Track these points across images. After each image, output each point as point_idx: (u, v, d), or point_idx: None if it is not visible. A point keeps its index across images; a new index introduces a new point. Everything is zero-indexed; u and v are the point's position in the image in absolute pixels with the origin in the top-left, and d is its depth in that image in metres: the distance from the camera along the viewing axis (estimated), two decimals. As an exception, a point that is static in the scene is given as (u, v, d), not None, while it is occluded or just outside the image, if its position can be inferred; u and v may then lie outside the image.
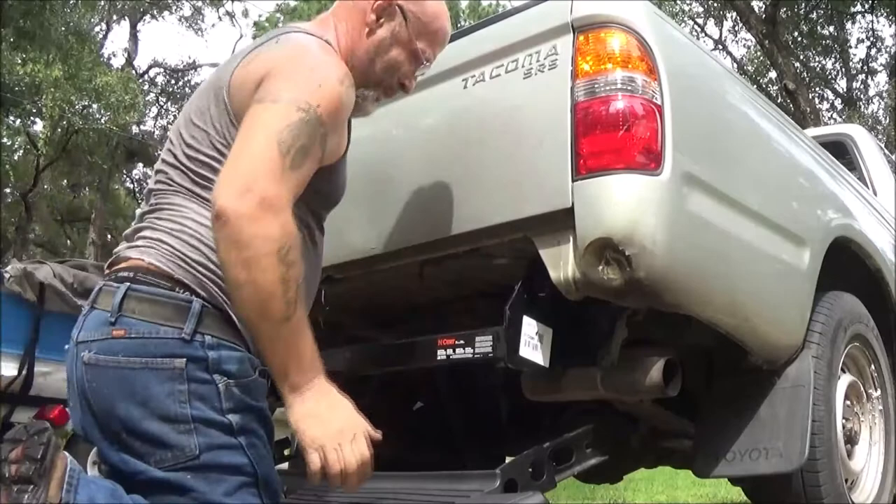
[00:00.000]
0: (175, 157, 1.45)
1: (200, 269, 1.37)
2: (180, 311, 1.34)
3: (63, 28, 14.77)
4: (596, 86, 1.64)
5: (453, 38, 2.01)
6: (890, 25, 16.59)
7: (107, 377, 1.32)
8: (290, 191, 1.30)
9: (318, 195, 1.48)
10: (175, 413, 1.30)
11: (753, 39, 15.26)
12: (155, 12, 20.05)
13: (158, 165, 1.50)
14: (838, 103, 18.62)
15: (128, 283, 1.36)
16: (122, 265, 1.41)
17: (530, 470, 1.70)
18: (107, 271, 1.45)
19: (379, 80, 1.59)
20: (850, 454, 2.19)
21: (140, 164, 21.16)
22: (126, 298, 1.34)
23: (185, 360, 1.32)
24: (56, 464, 1.23)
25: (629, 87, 1.63)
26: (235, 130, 1.38)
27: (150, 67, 21.10)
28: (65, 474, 1.24)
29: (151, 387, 1.30)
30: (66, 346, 1.43)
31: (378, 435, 1.36)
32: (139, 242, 1.42)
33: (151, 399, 1.30)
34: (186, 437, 1.30)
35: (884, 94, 18.32)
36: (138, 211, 1.52)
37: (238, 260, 1.25)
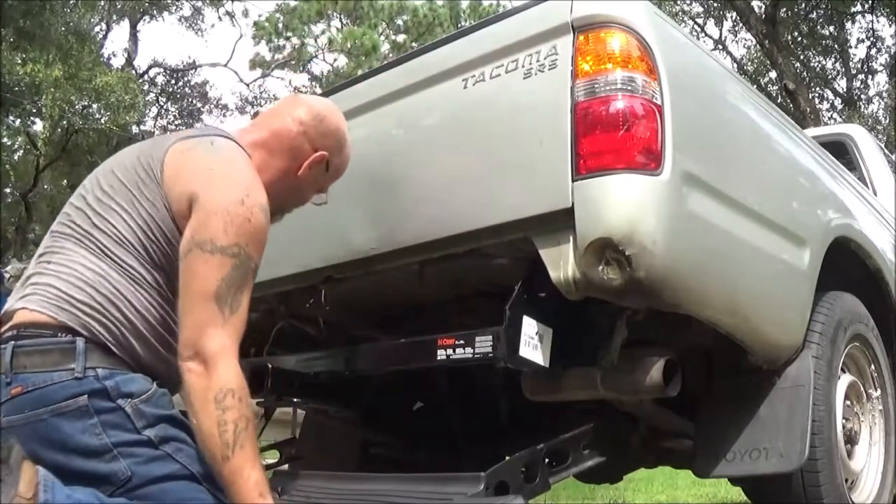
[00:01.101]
0: (85, 200, 1.57)
1: (84, 307, 1.45)
2: (67, 354, 1.41)
3: (63, 28, 14.75)
4: (596, 86, 1.64)
5: (453, 38, 2.02)
6: (890, 25, 16.57)
7: (24, 435, 1.37)
8: (231, 335, 1.45)
9: None
10: (95, 445, 1.38)
11: (753, 39, 15.26)
12: (155, 12, 20.04)
13: (64, 209, 1.60)
14: (838, 103, 18.62)
15: (12, 342, 1.42)
16: (8, 325, 1.47)
17: (523, 471, 1.70)
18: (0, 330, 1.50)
19: (286, 208, 1.81)
20: (850, 454, 2.19)
21: (140, 164, 21.10)
22: (14, 356, 1.41)
23: (85, 395, 1.39)
24: (22, 468, 1.29)
25: (629, 87, 1.63)
26: (164, 208, 1.51)
27: (150, 67, 21.10)
28: (35, 476, 1.31)
29: (64, 430, 1.38)
30: None
31: None
32: (27, 291, 1.50)
33: (68, 441, 1.38)
34: (114, 463, 1.39)
35: (884, 94, 18.31)
36: (34, 256, 1.59)
37: (189, 408, 1.42)
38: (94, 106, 15.58)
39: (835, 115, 17.95)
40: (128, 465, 1.39)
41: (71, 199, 1.61)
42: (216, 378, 1.40)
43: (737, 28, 17.97)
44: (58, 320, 1.43)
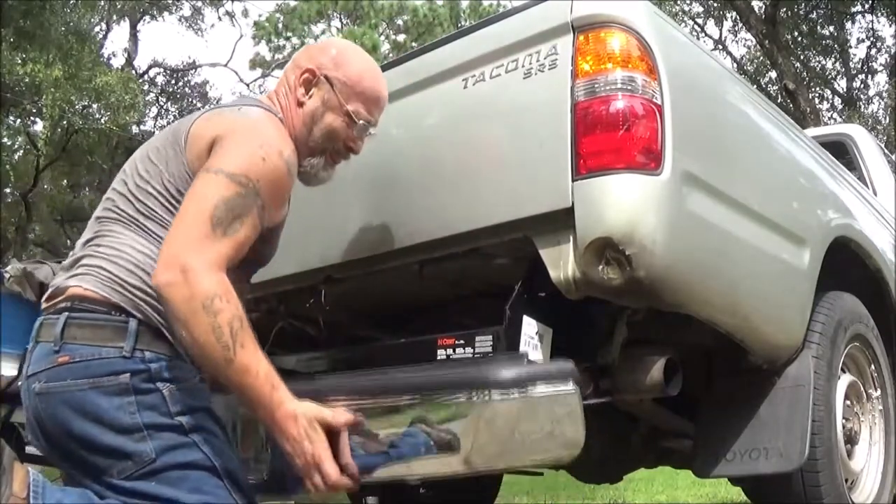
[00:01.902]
0: (126, 186, 1.57)
1: (136, 292, 1.47)
2: (119, 332, 1.44)
3: (63, 28, 14.74)
4: (596, 85, 1.64)
5: (453, 38, 2.02)
6: (890, 25, 16.58)
7: (58, 402, 1.41)
8: (219, 256, 1.40)
9: (249, 257, 1.56)
10: (127, 423, 1.40)
11: (753, 39, 15.26)
12: (155, 12, 20.03)
13: (109, 194, 1.61)
14: (838, 103, 18.62)
15: (66, 313, 1.45)
16: (61, 297, 1.50)
17: None
18: (46, 305, 1.54)
19: (321, 147, 1.70)
20: (850, 454, 2.19)
21: (140, 164, 21.11)
22: (66, 327, 1.44)
23: (128, 374, 1.42)
24: (14, 469, 1.33)
25: (629, 87, 1.63)
26: (187, 176, 1.51)
27: (150, 67, 21.09)
28: (27, 477, 1.34)
29: (101, 403, 1.40)
30: (19, 384, 1.54)
31: (347, 463, 1.40)
32: (79, 271, 1.52)
33: (103, 414, 1.40)
34: (142, 443, 1.40)
35: (884, 94, 18.31)
36: (82, 238, 1.60)
37: (176, 323, 1.38)
38: (94, 106, 15.57)
39: (835, 115, 17.96)
40: (154, 448, 1.40)
41: (113, 185, 1.61)
42: (199, 287, 1.35)
43: (737, 28, 17.98)
44: (112, 300, 1.46)
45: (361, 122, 1.69)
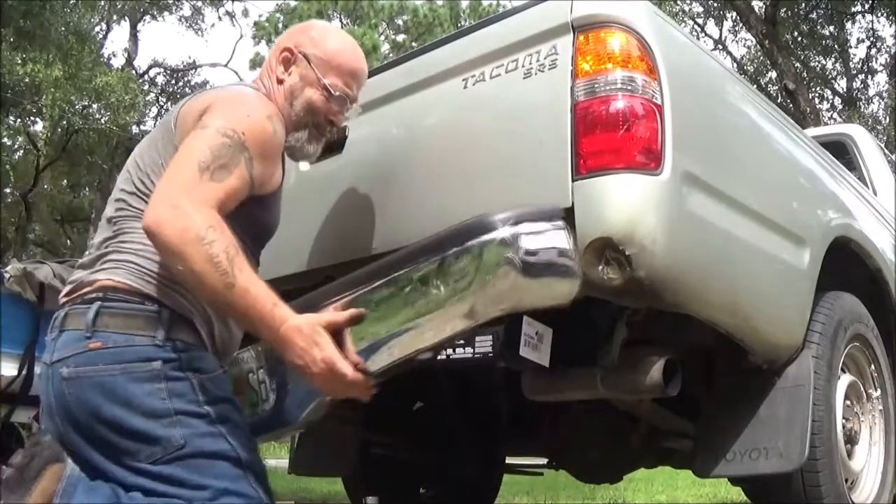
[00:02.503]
0: (133, 184, 1.59)
1: (166, 282, 1.50)
2: (151, 321, 1.48)
3: (63, 28, 14.75)
4: (596, 85, 1.64)
5: (453, 38, 2.02)
6: (890, 25, 16.58)
7: (88, 387, 1.44)
8: (207, 196, 1.43)
9: (251, 223, 1.61)
10: (158, 408, 1.43)
11: (753, 39, 15.26)
12: (155, 12, 20.04)
13: (116, 195, 1.63)
14: (838, 103, 18.62)
15: (98, 303, 1.48)
16: (88, 288, 1.52)
17: None
18: (66, 299, 1.55)
19: (303, 121, 1.74)
20: (850, 454, 2.19)
21: (140, 164, 21.12)
22: (99, 315, 1.47)
23: (160, 361, 1.46)
24: (43, 475, 1.37)
25: (629, 87, 1.63)
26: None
27: (150, 67, 21.10)
28: (54, 484, 1.37)
29: (132, 388, 1.43)
30: (39, 373, 1.53)
31: (357, 360, 1.44)
32: (106, 265, 1.54)
33: (134, 399, 1.43)
34: (171, 429, 1.42)
35: (884, 94, 18.31)
36: (97, 238, 1.62)
37: (171, 258, 1.40)
38: (94, 106, 15.58)
39: (835, 115, 17.95)
40: (183, 434, 1.43)
41: (120, 186, 1.64)
42: (191, 220, 1.38)
43: (737, 28, 17.98)
44: (143, 291, 1.49)
45: (338, 94, 1.73)
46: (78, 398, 1.44)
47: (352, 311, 1.45)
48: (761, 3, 13.76)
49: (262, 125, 1.56)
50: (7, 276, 4.46)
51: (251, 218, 1.59)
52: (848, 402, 2.19)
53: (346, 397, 1.49)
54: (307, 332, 1.40)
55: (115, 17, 19.35)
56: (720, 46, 18.22)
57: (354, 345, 1.46)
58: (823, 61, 18.44)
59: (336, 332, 1.43)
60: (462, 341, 1.74)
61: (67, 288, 1.57)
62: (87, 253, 1.63)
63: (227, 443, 1.46)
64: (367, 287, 1.51)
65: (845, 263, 2.31)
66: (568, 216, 1.61)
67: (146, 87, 20.09)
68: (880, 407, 2.36)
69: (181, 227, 1.37)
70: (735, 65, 17.28)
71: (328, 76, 1.73)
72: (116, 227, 1.59)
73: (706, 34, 18.18)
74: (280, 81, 1.74)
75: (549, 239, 1.45)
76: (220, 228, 1.40)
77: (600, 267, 1.59)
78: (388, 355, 1.48)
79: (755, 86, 9.55)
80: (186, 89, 21.59)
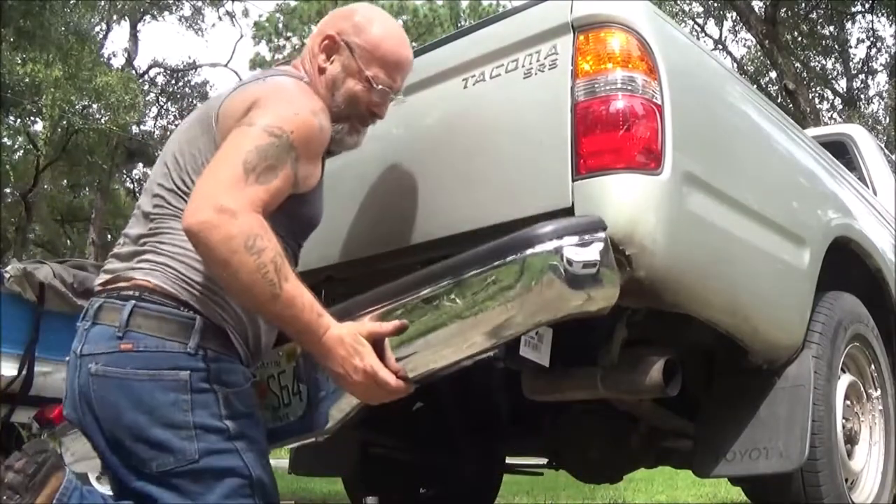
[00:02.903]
0: (172, 181, 1.57)
1: (202, 289, 1.48)
2: (184, 328, 1.46)
3: (63, 28, 14.75)
4: (596, 85, 1.64)
5: (453, 38, 2.02)
6: (890, 25, 16.59)
7: (114, 387, 1.43)
8: (253, 199, 1.39)
9: (293, 220, 1.59)
10: (179, 420, 1.42)
11: (753, 39, 15.26)
12: (155, 12, 20.04)
13: (155, 189, 1.59)
14: (838, 103, 18.62)
15: (133, 301, 1.47)
16: (125, 284, 1.51)
17: None
18: (101, 288, 1.54)
19: (345, 113, 1.68)
20: (850, 454, 2.19)
21: (140, 164, 21.16)
22: (133, 315, 1.45)
23: (189, 371, 1.44)
24: (49, 481, 1.36)
25: (629, 87, 1.63)
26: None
27: (150, 67, 21.13)
28: (57, 490, 1.37)
29: (157, 396, 1.42)
30: (67, 359, 1.53)
31: (398, 368, 1.45)
32: (143, 265, 1.52)
33: (157, 408, 1.42)
34: (188, 442, 1.42)
35: (884, 94, 18.32)
36: (133, 231, 1.59)
37: (216, 265, 1.37)
38: (94, 106, 15.59)
39: (835, 115, 17.96)
40: (198, 449, 1.42)
41: (157, 180, 1.59)
42: (239, 227, 1.33)
43: (737, 28, 18.00)
44: (180, 297, 1.47)
45: (380, 86, 1.68)
46: (103, 397, 1.44)
47: (395, 323, 1.45)
48: (761, 3, 13.77)
49: (310, 123, 1.50)
50: (7, 276, 4.46)
51: (293, 214, 1.56)
52: (848, 402, 2.19)
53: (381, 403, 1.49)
54: (349, 342, 1.40)
55: (115, 17, 19.35)
56: (720, 46, 18.23)
57: (393, 352, 1.45)
58: (823, 61, 18.46)
59: (377, 342, 1.43)
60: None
61: (104, 277, 1.55)
62: (119, 243, 1.61)
63: (241, 460, 1.46)
64: (408, 297, 1.51)
65: (845, 263, 2.31)
66: (569, 216, 1.61)
67: (146, 87, 20.12)
68: (880, 407, 2.36)
69: (227, 234, 1.33)
70: (735, 65, 17.27)
71: (371, 67, 1.67)
72: (154, 226, 1.55)
73: (706, 34, 18.20)
74: (322, 70, 1.68)
75: (591, 251, 1.45)
76: (266, 235, 1.36)
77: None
78: (428, 365, 1.48)
79: (755, 86, 9.54)
80: (186, 89, 21.63)
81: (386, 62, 1.69)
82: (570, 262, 1.42)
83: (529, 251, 1.43)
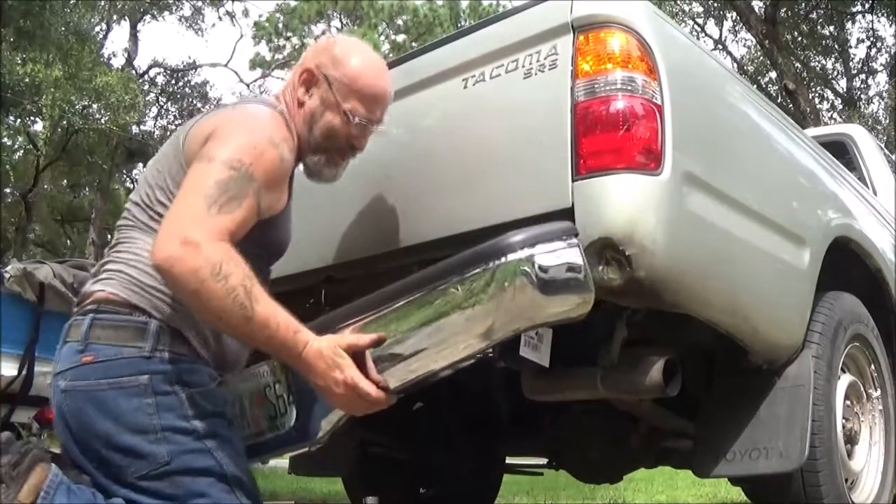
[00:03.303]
0: (140, 195, 1.62)
1: (155, 292, 1.51)
2: (139, 332, 1.49)
3: (63, 28, 14.75)
4: (596, 86, 1.64)
5: (453, 38, 2.02)
6: (890, 25, 16.59)
7: (82, 400, 1.47)
8: (217, 229, 1.41)
9: (261, 245, 1.61)
10: (145, 424, 1.45)
11: (753, 39, 15.26)
12: (155, 12, 20.04)
13: (126, 205, 1.65)
14: (838, 103, 18.62)
15: (92, 314, 1.51)
16: (88, 300, 1.55)
17: None
18: (75, 309, 1.59)
19: (324, 146, 1.71)
20: (850, 454, 2.19)
21: (140, 164, 21.13)
22: (91, 327, 1.50)
23: (148, 375, 1.47)
24: (33, 472, 1.38)
25: (629, 87, 1.63)
26: (184, 173, 1.53)
27: (150, 67, 21.11)
28: (43, 482, 1.39)
29: (121, 403, 1.45)
30: (48, 383, 1.59)
31: (378, 379, 1.46)
32: (103, 276, 1.58)
33: (123, 414, 1.45)
34: (157, 445, 1.45)
35: (884, 94, 18.31)
36: (107, 249, 1.65)
37: (187, 296, 1.40)
38: (94, 106, 15.59)
39: (835, 115, 17.95)
40: (168, 451, 1.44)
41: (131, 196, 1.67)
42: (204, 256, 1.36)
43: (737, 28, 17.99)
44: (131, 302, 1.51)
45: (358, 120, 1.69)
46: (74, 411, 1.47)
47: (373, 335, 1.46)
48: (761, 3, 13.77)
49: (268, 154, 1.52)
50: (7, 276, 4.46)
51: (261, 239, 1.58)
52: (848, 402, 2.19)
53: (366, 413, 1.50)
54: (328, 354, 1.42)
55: (115, 17, 19.35)
56: (720, 46, 18.23)
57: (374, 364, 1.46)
58: (823, 61, 18.45)
59: (356, 354, 1.44)
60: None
61: (80, 297, 1.61)
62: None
63: (214, 459, 1.47)
64: (385, 309, 1.51)
65: (845, 263, 2.31)
66: (569, 216, 1.61)
67: (146, 87, 20.11)
68: (880, 407, 2.36)
69: (193, 265, 1.35)
70: (735, 65, 17.27)
71: (349, 100, 1.68)
72: (118, 237, 1.62)
73: (706, 34, 18.19)
74: (301, 104, 1.70)
75: (562, 256, 1.45)
76: (233, 261, 1.39)
77: (600, 267, 1.59)
78: (408, 374, 1.48)
79: (755, 86, 9.54)
80: (186, 89, 21.63)
81: (363, 95, 1.70)
82: (542, 269, 1.43)
83: (502, 259, 1.44)
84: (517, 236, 1.46)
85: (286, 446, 1.76)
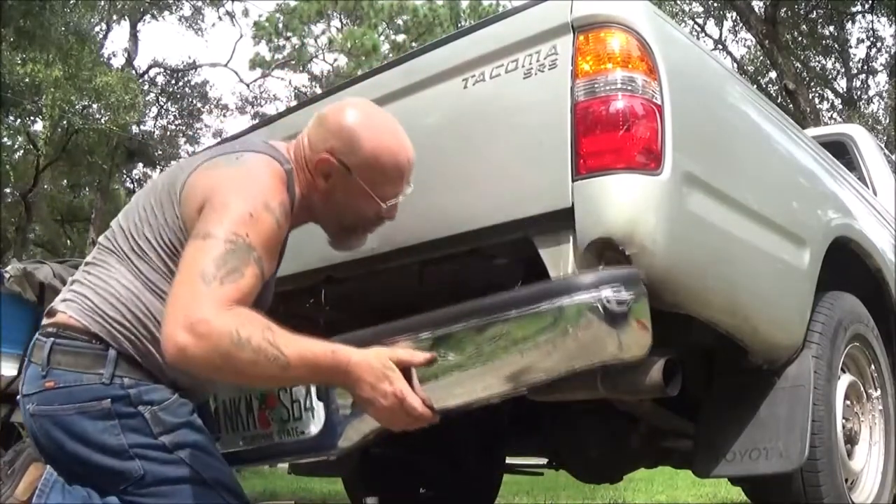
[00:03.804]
0: (128, 222, 1.60)
1: (115, 324, 1.51)
2: (98, 360, 1.49)
3: (63, 28, 14.74)
4: (596, 86, 1.64)
5: (453, 38, 2.02)
6: (890, 25, 16.58)
7: (49, 424, 1.48)
8: (221, 299, 1.35)
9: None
10: (113, 444, 1.46)
11: (753, 39, 15.26)
12: (155, 12, 20.03)
13: (112, 222, 1.64)
14: (838, 103, 18.61)
15: (52, 339, 1.51)
16: (51, 320, 1.55)
17: None
18: (43, 321, 1.58)
19: (354, 225, 1.70)
20: (850, 454, 2.19)
21: (140, 164, 21.14)
22: (52, 352, 1.50)
23: (109, 399, 1.47)
24: (28, 470, 1.38)
25: (629, 87, 1.63)
26: (179, 228, 1.52)
27: (150, 67, 21.09)
28: (38, 479, 1.41)
29: (87, 427, 1.46)
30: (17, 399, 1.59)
31: (425, 396, 1.44)
32: (68, 296, 1.57)
33: (90, 437, 1.46)
34: (129, 462, 1.46)
35: (884, 94, 18.30)
36: (82, 264, 1.64)
37: (219, 374, 1.38)
38: (94, 106, 15.58)
39: (835, 115, 17.95)
40: (141, 465, 1.46)
41: (119, 215, 1.64)
42: (218, 331, 1.30)
43: (737, 28, 17.98)
44: (91, 330, 1.50)
45: (390, 202, 1.65)
46: (44, 433, 1.48)
47: (427, 354, 1.44)
48: (761, 3, 13.76)
49: (265, 222, 1.46)
50: (7, 276, 4.46)
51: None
52: (848, 402, 2.19)
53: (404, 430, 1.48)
54: (377, 366, 1.40)
55: (115, 17, 19.34)
56: (720, 46, 18.22)
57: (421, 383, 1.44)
58: (823, 61, 18.44)
59: (405, 370, 1.42)
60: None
61: (47, 309, 1.60)
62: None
63: (188, 467, 1.48)
64: (438, 330, 1.49)
65: (845, 263, 2.31)
66: (569, 216, 1.61)
67: (146, 87, 20.10)
68: (880, 407, 2.36)
69: (210, 344, 1.30)
70: (735, 65, 17.27)
71: (377, 187, 1.62)
72: (94, 255, 1.60)
73: (706, 34, 18.19)
74: (319, 189, 1.64)
75: (625, 299, 1.45)
76: (246, 321, 1.34)
77: (600, 267, 1.59)
78: (449, 398, 1.47)
79: (755, 86, 9.54)
80: (186, 89, 21.62)
81: (391, 178, 1.64)
82: (606, 309, 1.42)
83: (568, 298, 1.42)
84: (588, 277, 1.46)
85: (300, 454, 1.75)
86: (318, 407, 1.70)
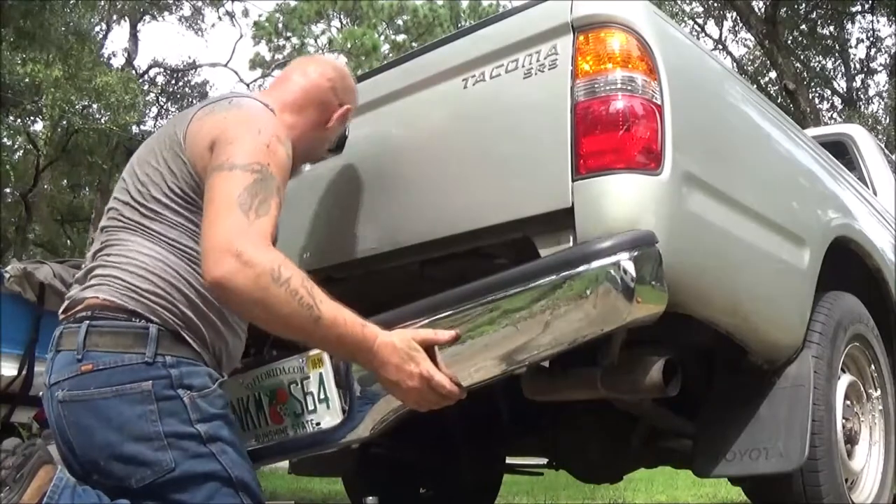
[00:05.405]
0: (128, 193, 1.59)
1: (151, 296, 1.49)
2: (139, 338, 1.47)
3: (63, 28, 14.74)
4: (596, 86, 1.64)
5: (453, 38, 2.02)
6: (890, 25, 16.59)
7: (82, 410, 1.44)
8: (261, 233, 1.40)
9: None
10: (149, 432, 1.43)
11: (753, 39, 15.27)
12: (155, 12, 20.04)
13: (111, 203, 1.62)
14: (838, 103, 18.61)
15: (87, 321, 1.48)
16: (79, 307, 1.52)
17: None
18: (63, 316, 1.56)
19: (311, 160, 1.91)
20: (850, 454, 2.19)
21: (140, 164, 21.11)
22: (88, 335, 1.47)
23: (150, 381, 1.45)
24: (37, 474, 1.37)
25: (629, 87, 1.63)
26: (191, 175, 1.54)
27: (150, 67, 21.09)
28: (47, 484, 1.37)
29: (124, 411, 1.43)
30: (41, 394, 1.55)
31: (451, 374, 1.45)
32: (93, 282, 1.54)
33: (126, 423, 1.43)
34: (162, 453, 1.43)
35: (884, 94, 18.30)
36: (91, 251, 1.62)
37: (251, 307, 1.37)
38: (94, 106, 15.58)
39: (835, 115, 17.95)
40: (174, 458, 1.43)
41: (114, 195, 1.64)
42: (261, 264, 1.34)
43: (737, 28, 17.99)
44: (129, 308, 1.48)
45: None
46: (73, 422, 1.45)
47: (451, 332, 1.45)
48: (761, 3, 13.77)
49: (280, 152, 1.54)
50: (7, 276, 4.46)
51: None
52: (848, 402, 2.19)
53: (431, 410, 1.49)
54: (402, 348, 1.41)
55: (115, 17, 19.35)
56: (720, 46, 18.22)
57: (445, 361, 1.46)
58: (823, 61, 18.45)
59: (428, 349, 1.43)
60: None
61: (64, 305, 1.57)
62: (83, 266, 1.63)
63: (218, 463, 1.47)
64: (458, 309, 1.51)
65: (845, 263, 2.31)
66: (569, 216, 1.61)
67: (146, 87, 20.08)
68: (880, 407, 2.36)
69: (253, 274, 1.33)
70: (735, 65, 17.27)
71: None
72: (105, 239, 1.58)
73: (706, 34, 18.20)
74: (325, 126, 1.83)
75: (643, 261, 1.48)
76: (286, 263, 1.37)
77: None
78: (473, 374, 1.48)
79: (755, 86, 9.54)
80: (186, 89, 21.62)
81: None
82: (625, 272, 1.45)
83: (585, 266, 1.46)
84: (600, 244, 1.48)
85: (322, 445, 1.74)
86: (334, 397, 1.69)
